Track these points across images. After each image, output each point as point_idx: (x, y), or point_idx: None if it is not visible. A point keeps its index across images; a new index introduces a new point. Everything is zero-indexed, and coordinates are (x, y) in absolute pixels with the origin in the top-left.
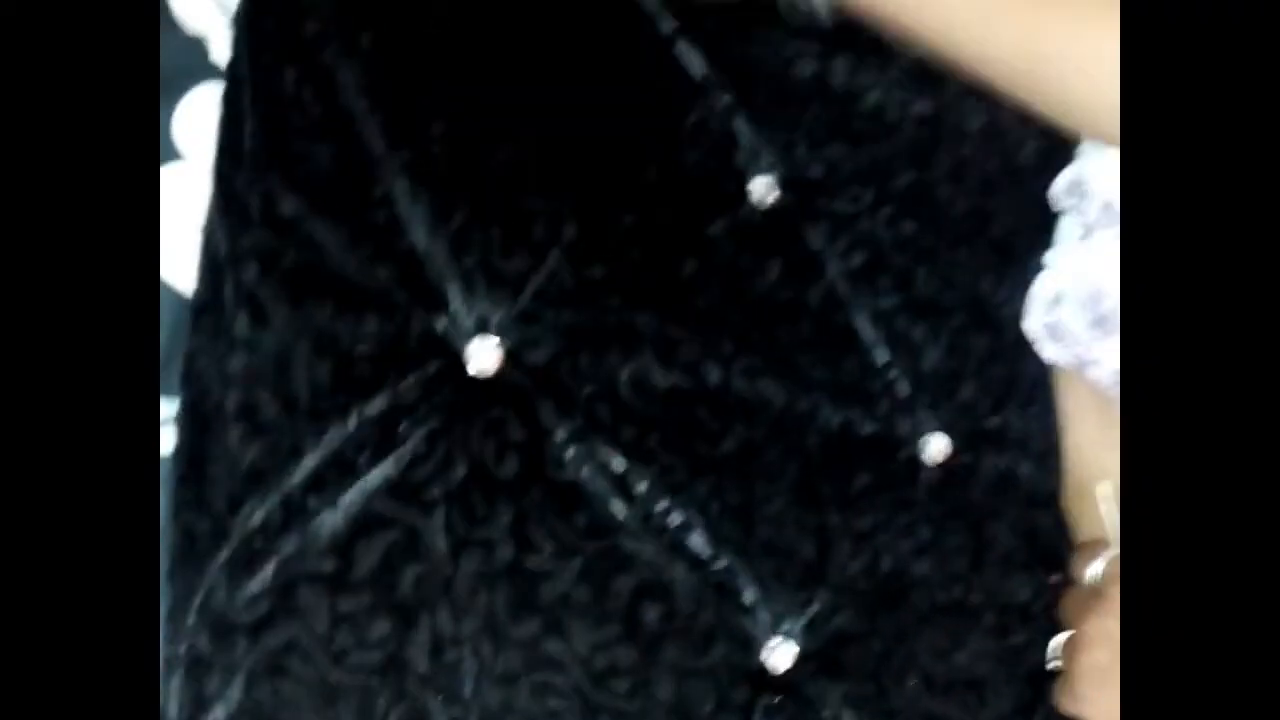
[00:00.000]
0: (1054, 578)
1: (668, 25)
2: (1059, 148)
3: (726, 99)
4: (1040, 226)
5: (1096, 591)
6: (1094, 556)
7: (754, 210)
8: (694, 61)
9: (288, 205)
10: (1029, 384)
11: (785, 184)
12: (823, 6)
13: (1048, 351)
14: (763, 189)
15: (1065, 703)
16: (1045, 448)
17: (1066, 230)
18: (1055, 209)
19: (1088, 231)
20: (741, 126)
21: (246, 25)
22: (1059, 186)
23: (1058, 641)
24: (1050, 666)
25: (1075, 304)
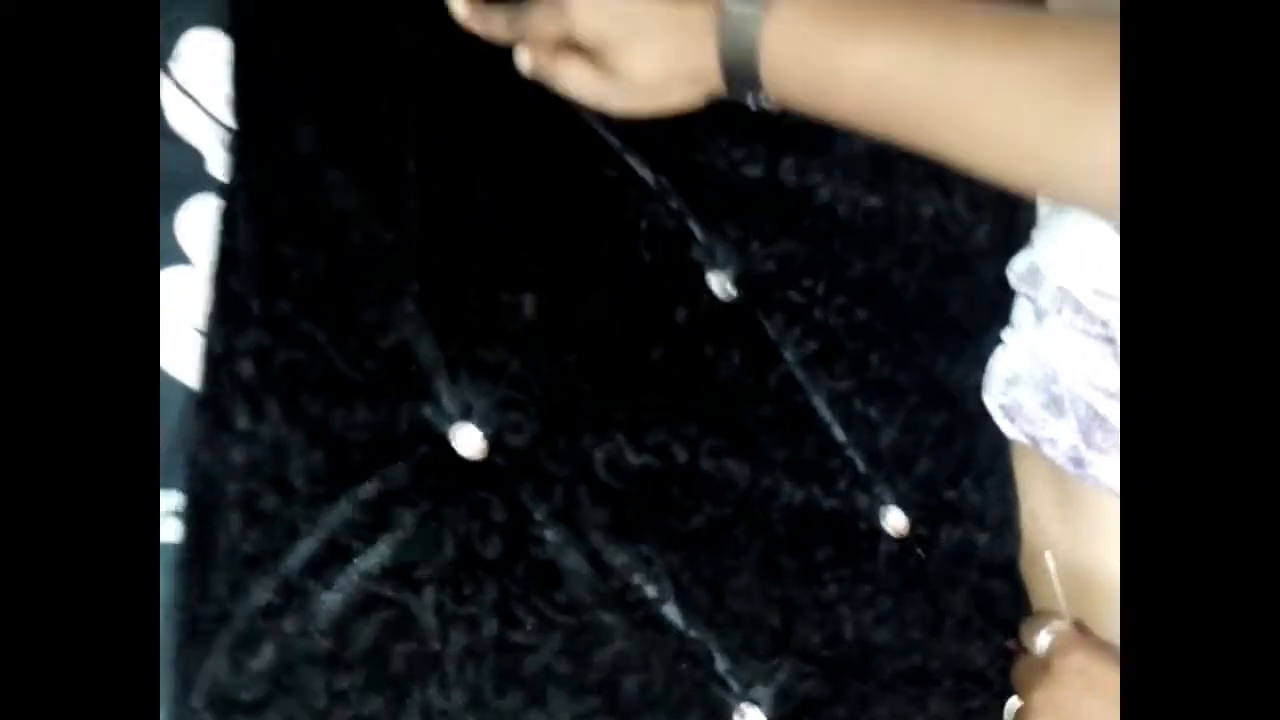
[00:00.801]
0: (1010, 642)
1: (614, 140)
2: (1011, 231)
3: (677, 202)
4: (994, 305)
5: (1045, 663)
6: (1042, 628)
7: (713, 302)
8: (644, 171)
9: (283, 306)
10: (986, 457)
11: (740, 279)
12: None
13: (1005, 428)
14: (719, 284)
15: None
16: (1001, 518)
17: (1022, 313)
18: (1012, 289)
19: (1041, 316)
20: (694, 227)
21: (240, 145)
22: (1015, 270)
23: (1010, 707)
24: None
25: (1030, 385)
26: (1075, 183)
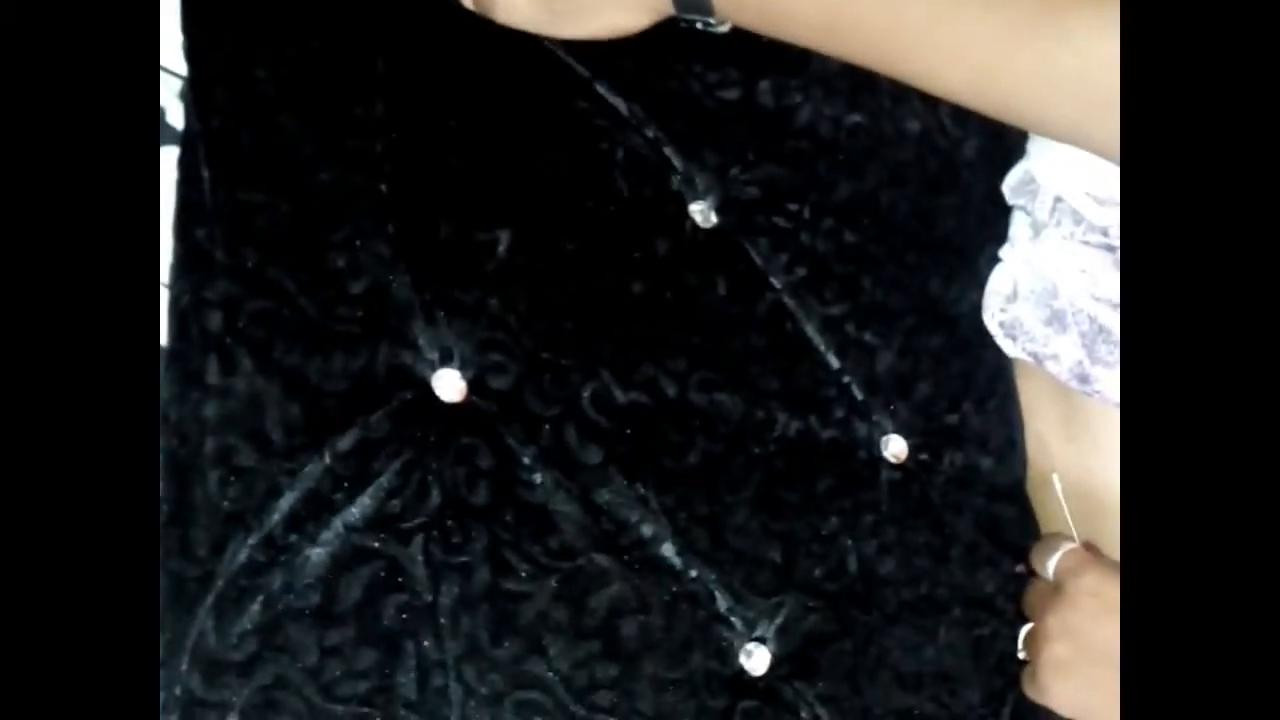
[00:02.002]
0: (1018, 567)
1: (582, 69)
2: (1000, 143)
3: (653, 130)
4: (988, 221)
5: (1057, 585)
6: (1052, 551)
7: (695, 231)
8: (616, 100)
9: (250, 255)
10: (986, 379)
11: (722, 206)
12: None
13: (1006, 347)
14: (701, 212)
15: (1030, 692)
16: (1005, 441)
17: (1018, 227)
18: (1008, 204)
19: (1038, 229)
20: (672, 155)
21: (197, 94)
22: (1010, 183)
23: (1023, 633)
24: (1019, 656)
25: (1030, 300)
26: (1039, 100)
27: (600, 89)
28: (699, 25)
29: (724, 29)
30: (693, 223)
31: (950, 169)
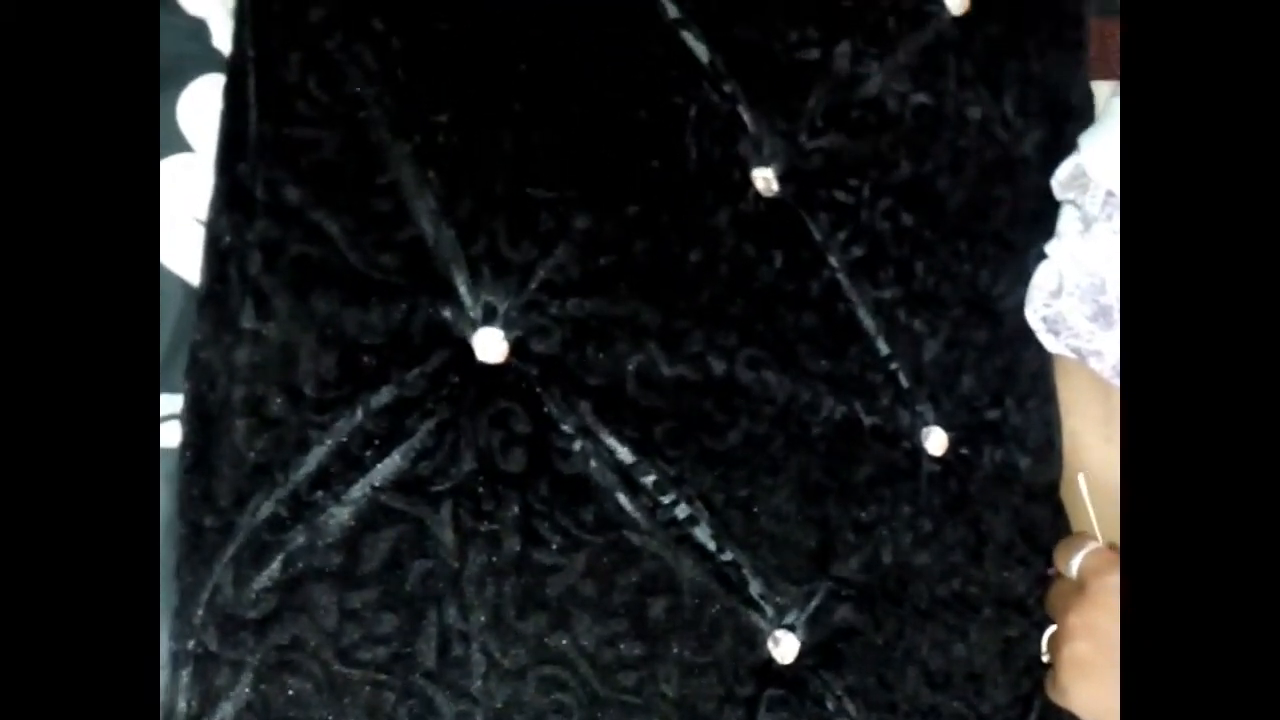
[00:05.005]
0: (1050, 570)
1: (674, 10)
2: (1059, 139)
3: (730, 86)
4: (1041, 218)
5: (1080, 584)
6: (1077, 550)
7: (758, 200)
8: (699, 48)
9: (292, 194)
10: (1028, 376)
11: (786, 175)
12: None
13: (1048, 343)
14: (764, 179)
15: (1052, 694)
16: (1043, 440)
17: (1067, 221)
18: (1057, 199)
19: (1088, 223)
20: (744, 115)
21: (249, 12)
22: (1060, 177)
23: (1046, 635)
24: (1043, 659)
25: (1076, 296)
26: None
27: (686, 35)
28: None
29: None
30: (755, 191)
31: (1007, 161)
